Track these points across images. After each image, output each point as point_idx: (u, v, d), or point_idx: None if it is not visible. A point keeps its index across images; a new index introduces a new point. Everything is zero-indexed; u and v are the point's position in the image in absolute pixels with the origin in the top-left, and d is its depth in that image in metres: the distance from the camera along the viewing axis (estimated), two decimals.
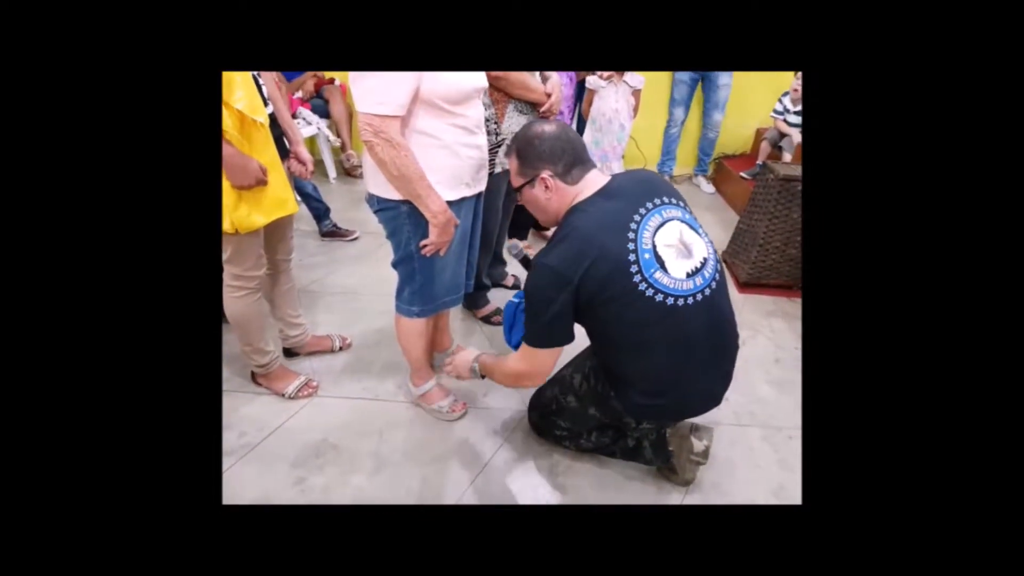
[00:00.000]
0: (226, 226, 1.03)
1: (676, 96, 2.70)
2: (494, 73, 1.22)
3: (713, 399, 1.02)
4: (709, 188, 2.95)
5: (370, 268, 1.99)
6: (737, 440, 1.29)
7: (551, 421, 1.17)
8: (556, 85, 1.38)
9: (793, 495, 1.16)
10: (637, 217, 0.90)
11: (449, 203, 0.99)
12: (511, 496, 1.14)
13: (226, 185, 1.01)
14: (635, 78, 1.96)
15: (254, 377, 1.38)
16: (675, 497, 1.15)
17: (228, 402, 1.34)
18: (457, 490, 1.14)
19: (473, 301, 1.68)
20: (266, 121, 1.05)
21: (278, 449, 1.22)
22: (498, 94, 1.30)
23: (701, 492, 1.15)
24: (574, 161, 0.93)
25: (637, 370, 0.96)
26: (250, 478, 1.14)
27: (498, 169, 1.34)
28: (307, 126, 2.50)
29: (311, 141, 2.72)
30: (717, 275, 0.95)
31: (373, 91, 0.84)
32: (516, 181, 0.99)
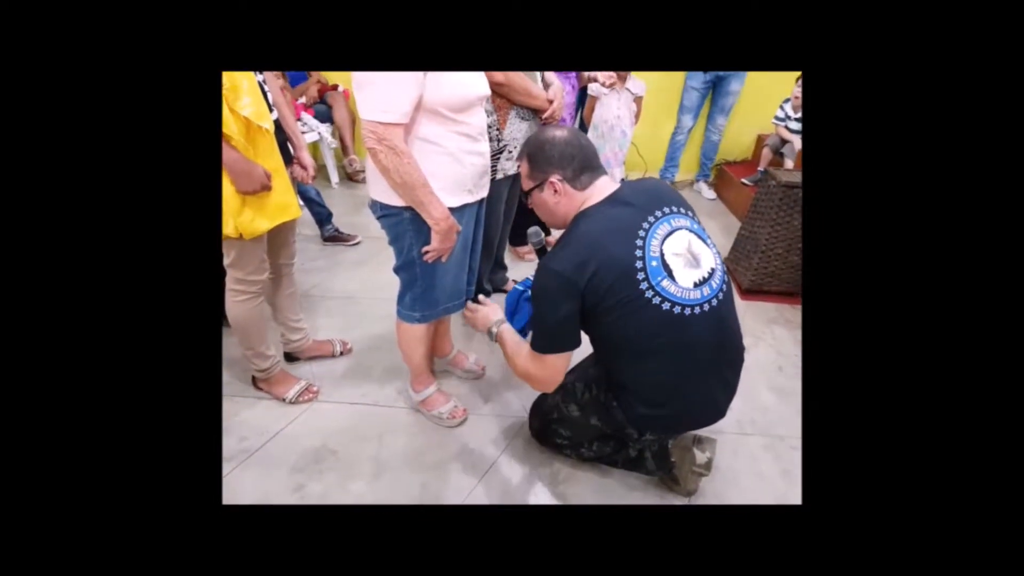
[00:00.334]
0: (230, 230, 1.04)
1: (686, 103, 2.68)
2: (497, 80, 1.22)
3: (717, 411, 1.01)
4: (710, 194, 2.95)
5: (371, 273, 1.99)
6: (739, 449, 1.28)
7: (552, 429, 1.17)
8: (558, 91, 1.39)
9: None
10: (646, 225, 0.90)
11: (451, 209, 0.99)
12: (512, 503, 1.13)
13: (231, 190, 1.01)
14: (637, 85, 1.97)
15: (255, 382, 1.38)
16: None
17: (229, 406, 1.34)
18: (457, 497, 1.14)
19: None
20: (271, 127, 1.06)
21: (278, 454, 1.21)
22: (500, 100, 1.31)
23: (703, 502, 1.14)
24: (584, 167, 0.93)
25: (640, 379, 0.96)
26: (249, 483, 1.14)
27: (499, 175, 1.34)
28: (310, 132, 2.52)
29: (314, 146, 2.73)
30: (724, 286, 0.95)
31: (377, 99, 0.84)
32: (526, 184, 0.99)
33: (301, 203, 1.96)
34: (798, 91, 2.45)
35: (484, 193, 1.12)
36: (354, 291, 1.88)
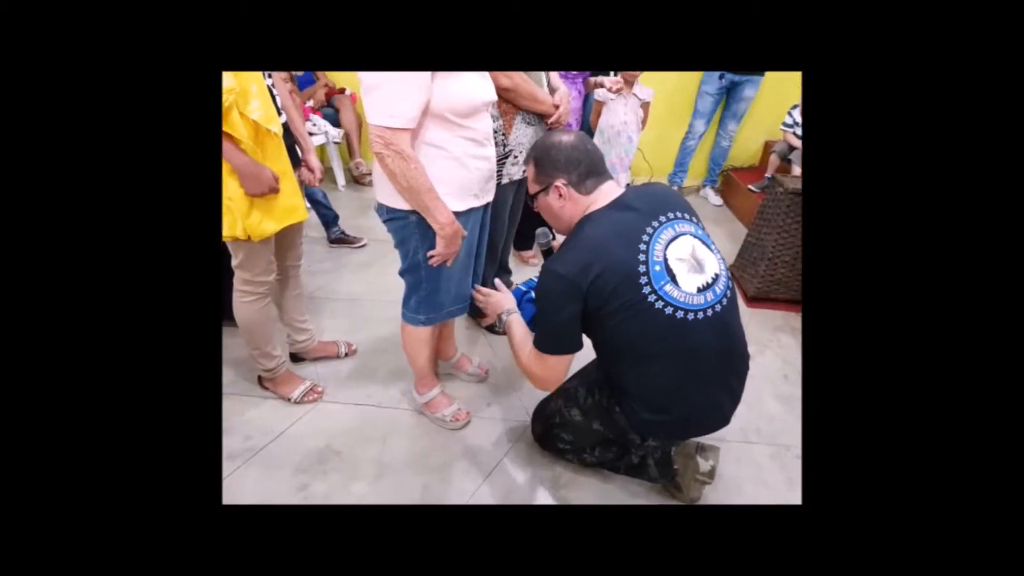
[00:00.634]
0: (239, 232, 1.05)
1: (700, 108, 2.64)
2: (503, 84, 1.23)
3: (721, 418, 1.01)
4: (717, 200, 2.94)
5: (376, 275, 2.01)
6: (743, 457, 1.27)
7: (554, 434, 1.17)
8: (564, 96, 1.39)
9: None
10: (649, 229, 0.90)
11: (457, 214, 1.00)
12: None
13: (239, 192, 1.02)
14: (645, 91, 1.97)
15: (261, 381, 1.39)
16: None
17: (234, 406, 1.35)
18: (459, 499, 1.14)
19: (478, 310, 1.68)
20: (279, 131, 1.07)
21: (282, 454, 1.22)
22: (506, 105, 1.31)
23: None
24: (589, 171, 0.94)
25: (643, 383, 0.96)
26: (253, 482, 1.15)
27: (505, 180, 1.35)
28: (319, 134, 2.54)
29: (320, 149, 2.76)
30: (728, 292, 0.95)
31: (385, 103, 0.85)
32: (532, 188, 1.00)
33: (308, 205, 1.98)
34: None
35: (490, 198, 1.12)
36: (359, 293, 1.89)
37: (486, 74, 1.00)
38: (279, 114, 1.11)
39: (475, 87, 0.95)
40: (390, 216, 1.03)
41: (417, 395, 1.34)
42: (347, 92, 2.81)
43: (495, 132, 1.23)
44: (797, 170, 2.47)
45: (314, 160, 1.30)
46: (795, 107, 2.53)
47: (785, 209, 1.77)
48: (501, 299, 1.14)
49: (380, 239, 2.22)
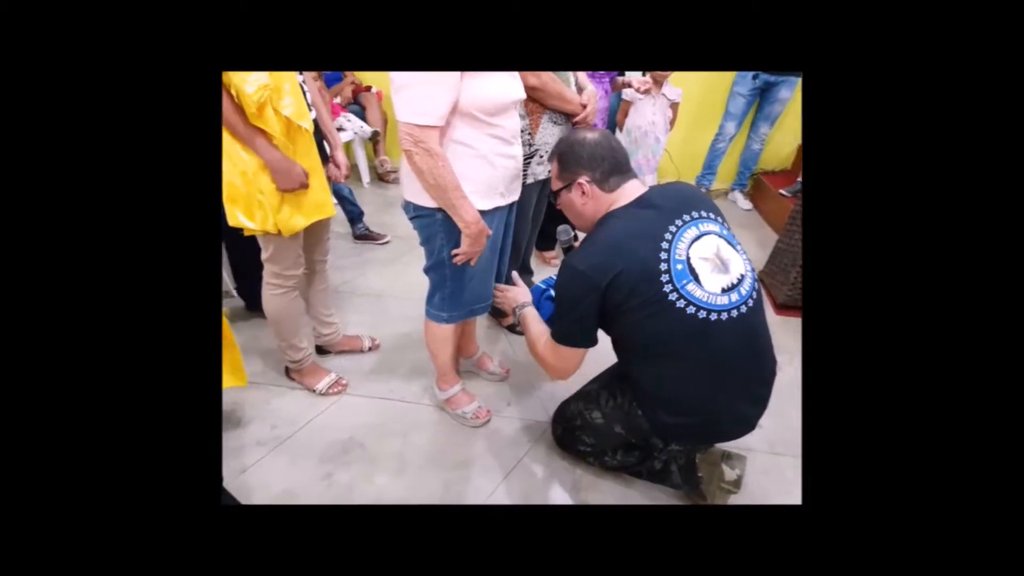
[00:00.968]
0: (269, 227, 1.08)
1: (731, 109, 2.56)
2: (531, 83, 1.23)
3: (746, 423, 0.98)
4: (746, 204, 2.86)
5: (399, 272, 2.03)
6: (770, 469, 1.24)
7: (575, 436, 1.16)
8: (591, 96, 1.38)
9: None
10: (673, 228, 0.88)
11: (483, 212, 1.00)
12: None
13: (271, 187, 1.05)
14: (674, 91, 1.94)
15: (288, 372, 1.43)
16: None
17: (262, 395, 1.39)
18: (478, 497, 1.14)
19: (499, 310, 1.69)
20: (310, 127, 1.10)
21: (307, 443, 1.25)
22: (533, 105, 1.31)
23: None
24: (613, 169, 0.93)
25: (663, 384, 0.94)
26: (280, 470, 1.18)
27: (530, 179, 1.34)
28: (347, 131, 2.59)
29: (347, 146, 2.81)
30: (754, 293, 0.92)
31: (414, 101, 0.86)
32: (555, 185, 1.00)
33: (334, 201, 2.02)
34: None
35: (515, 197, 1.12)
36: (383, 289, 1.92)
37: (515, 73, 1.00)
38: (309, 110, 1.13)
39: (504, 86, 0.95)
40: (417, 213, 1.04)
41: (439, 391, 1.35)
42: (373, 90, 2.85)
43: (521, 131, 1.23)
44: None
45: (341, 156, 1.33)
46: None
47: None
48: (518, 293, 1.15)
49: (403, 236, 2.25)
